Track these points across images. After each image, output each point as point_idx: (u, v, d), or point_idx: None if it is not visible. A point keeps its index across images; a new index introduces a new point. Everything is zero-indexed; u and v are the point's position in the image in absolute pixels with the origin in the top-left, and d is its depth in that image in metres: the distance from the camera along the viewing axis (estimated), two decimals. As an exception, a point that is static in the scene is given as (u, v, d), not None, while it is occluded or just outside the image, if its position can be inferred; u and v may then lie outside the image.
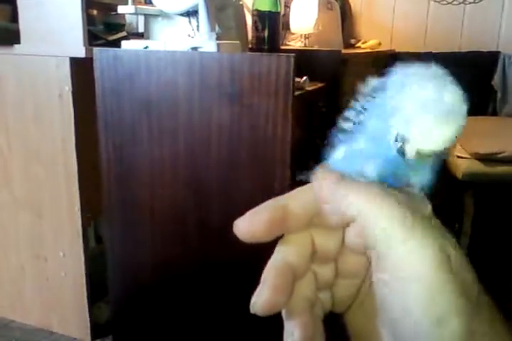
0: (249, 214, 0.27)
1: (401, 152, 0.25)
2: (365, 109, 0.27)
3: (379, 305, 0.25)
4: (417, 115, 0.24)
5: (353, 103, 0.28)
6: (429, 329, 0.22)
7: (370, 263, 0.28)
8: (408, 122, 0.24)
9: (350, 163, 0.27)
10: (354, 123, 0.28)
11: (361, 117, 0.27)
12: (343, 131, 0.28)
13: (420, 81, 0.25)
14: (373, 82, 0.28)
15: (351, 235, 0.27)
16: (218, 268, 1.26)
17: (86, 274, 1.51)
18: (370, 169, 0.26)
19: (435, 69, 0.25)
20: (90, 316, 1.55)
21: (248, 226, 0.27)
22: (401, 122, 0.25)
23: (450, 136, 0.24)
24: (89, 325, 1.56)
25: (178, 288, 1.32)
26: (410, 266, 0.23)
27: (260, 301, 0.26)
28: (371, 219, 0.24)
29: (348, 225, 0.26)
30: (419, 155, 0.25)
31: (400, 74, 0.26)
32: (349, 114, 0.28)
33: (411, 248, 0.23)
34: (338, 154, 0.28)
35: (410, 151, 0.25)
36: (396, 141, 0.25)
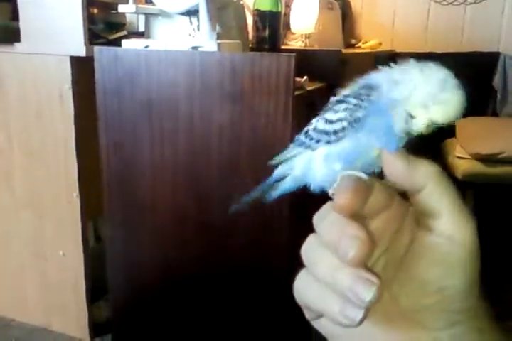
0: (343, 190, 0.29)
1: (408, 132, 0.30)
2: (361, 107, 0.31)
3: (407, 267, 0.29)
4: (433, 92, 0.29)
5: (341, 104, 0.32)
6: (465, 289, 0.28)
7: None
8: (422, 102, 0.29)
9: (329, 163, 0.32)
10: (350, 122, 0.31)
11: (358, 114, 0.31)
12: (324, 132, 0.33)
13: (413, 68, 0.30)
14: (361, 81, 0.32)
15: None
16: (218, 268, 1.26)
17: (86, 273, 1.51)
18: (358, 165, 0.31)
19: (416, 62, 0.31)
20: (90, 315, 1.55)
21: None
22: (412, 105, 0.29)
23: (461, 110, 0.29)
24: (88, 323, 1.56)
25: (178, 287, 1.32)
26: (461, 231, 0.28)
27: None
28: (442, 187, 0.29)
29: (416, 191, 0.29)
30: (427, 128, 0.30)
31: (391, 71, 0.31)
32: (337, 115, 0.32)
33: (463, 216, 0.28)
34: (318, 154, 0.33)
35: (418, 128, 0.30)
36: (406, 121, 0.30)
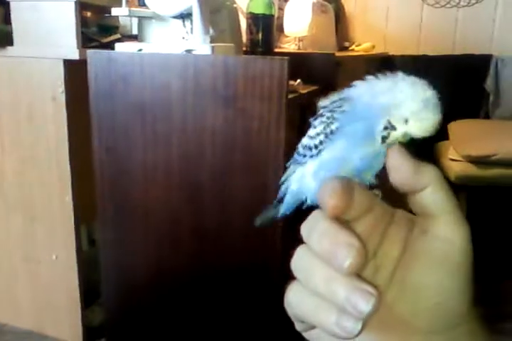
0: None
1: (384, 138, 0.32)
2: (335, 119, 0.33)
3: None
4: (416, 110, 0.31)
5: (317, 120, 0.34)
6: (461, 292, 0.29)
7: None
8: (404, 116, 0.31)
9: (317, 176, 0.34)
10: (326, 135, 0.33)
11: (332, 126, 0.33)
12: (308, 147, 0.35)
13: (405, 80, 0.32)
14: (340, 93, 0.34)
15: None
16: (212, 271, 1.26)
17: (79, 277, 1.50)
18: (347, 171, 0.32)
19: (401, 74, 0.32)
20: (83, 319, 1.55)
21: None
22: (395, 116, 0.31)
23: (436, 127, 0.31)
24: (82, 328, 1.55)
25: (171, 291, 1.32)
26: (457, 233, 0.29)
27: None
28: (442, 189, 0.30)
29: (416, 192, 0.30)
30: (402, 139, 0.32)
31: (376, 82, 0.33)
32: (315, 130, 0.34)
33: (459, 219, 0.29)
34: (307, 170, 0.35)
35: (394, 137, 0.32)
36: (385, 129, 0.32)
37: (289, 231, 1.15)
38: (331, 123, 0.33)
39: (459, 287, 0.28)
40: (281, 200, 0.39)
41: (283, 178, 0.39)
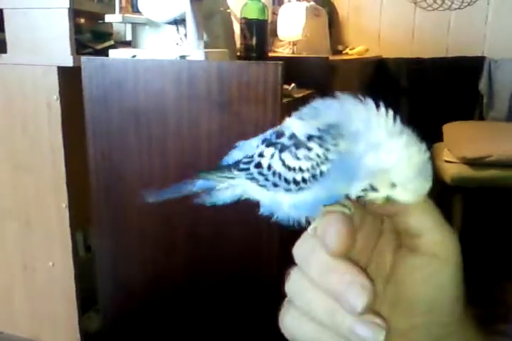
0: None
1: (360, 197, 0.28)
2: (327, 160, 0.28)
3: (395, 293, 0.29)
4: (408, 177, 0.27)
5: (300, 150, 0.29)
6: (453, 303, 0.28)
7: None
8: (392, 180, 0.27)
9: (295, 210, 0.30)
10: (314, 176, 0.28)
11: (323, 167, 0.28)
12: (284, 179, 0.29)
13: (398, 139, 0.27)
14: (329, 114, 0.29)
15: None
16: (208, 276, 1.26)
17: (76, 284, 1.50)
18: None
19: (398, 122, 0.28)
20: (80, 326, 1.54)
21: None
22: (382, 180, 0.27)
23: (427, 191, 0.28)
24: (79, 335, 1.54)
25: (169, 296, 1.31)
26: (444, 248, 0.28)
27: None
28: (422, 207, 0.29)
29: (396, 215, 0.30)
30: (382, 202, 0.29)
31: (365, 124, 0.27)
32: (297, 162, 0.29)
33: (445, 234, 0.29)
34: (282, 201, 0.30)
35: (373, 198, 0.28)
36: (364, 190, 0.28)
37: (285, 237, 1.15)
38: (322, 163, 0.28)
39: (451, 298, 0.29)
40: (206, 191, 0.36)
41: (217, 175, 0.35)
